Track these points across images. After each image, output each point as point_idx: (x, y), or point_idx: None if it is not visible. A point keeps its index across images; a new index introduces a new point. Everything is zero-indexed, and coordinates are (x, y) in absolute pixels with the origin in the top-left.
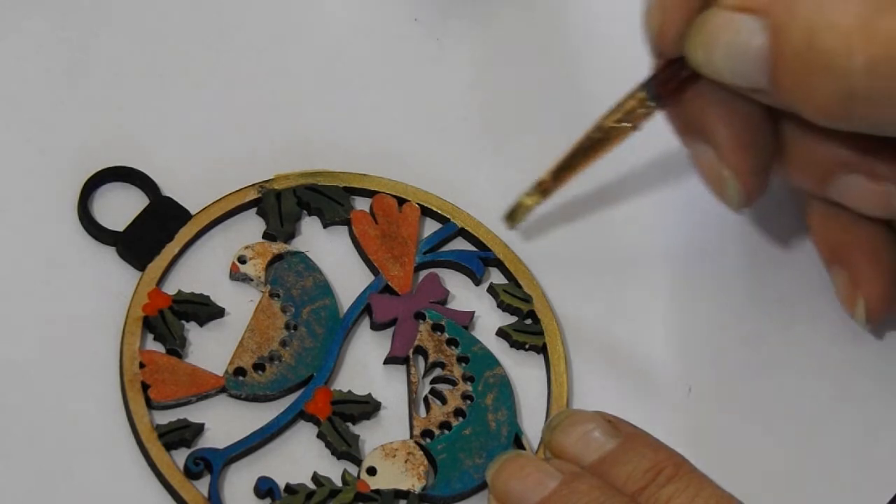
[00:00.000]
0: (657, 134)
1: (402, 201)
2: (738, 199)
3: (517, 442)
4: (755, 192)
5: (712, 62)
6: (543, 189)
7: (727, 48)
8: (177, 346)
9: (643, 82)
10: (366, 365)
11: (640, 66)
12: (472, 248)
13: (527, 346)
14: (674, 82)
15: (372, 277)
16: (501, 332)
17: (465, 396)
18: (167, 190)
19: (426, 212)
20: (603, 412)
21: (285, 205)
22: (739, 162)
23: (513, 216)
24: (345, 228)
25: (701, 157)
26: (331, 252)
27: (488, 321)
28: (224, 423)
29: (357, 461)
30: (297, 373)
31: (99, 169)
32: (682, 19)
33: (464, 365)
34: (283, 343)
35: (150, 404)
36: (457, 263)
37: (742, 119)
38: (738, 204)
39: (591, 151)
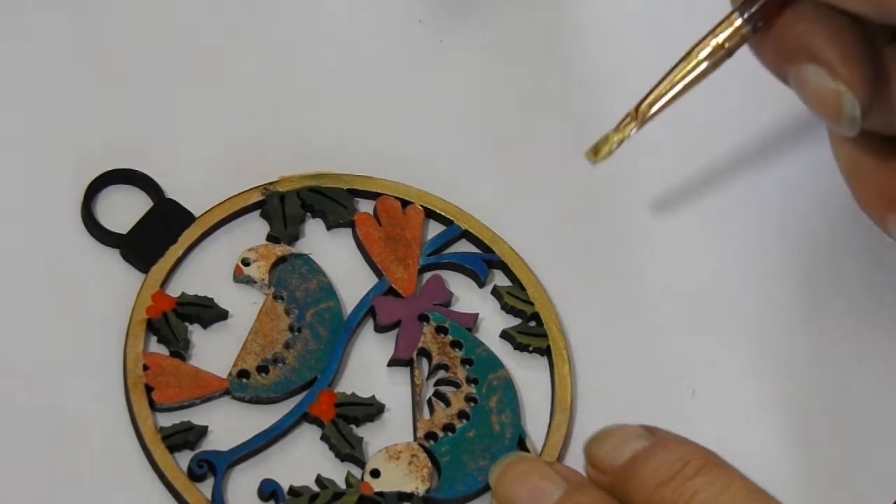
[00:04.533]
0: (660, 137)
1: (405, 203)
2: (855, 113)
3: (521, 444)
4: (870, 104)
5: None
6: (629, 123)
7: None
8: (180, 349)
9: (738, 6)
10: (369, 367)
11: (642, 66)
12: (476, 251)
13: (531, 349)
14: (770, 5)
15: (376, 279)
16: (505, 335)
17: (468, 398)
18: (171, 192)
19: (430, 214)
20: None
21: (289, 207)
22: (852, 72)
23: (597, 150)
24: (349, 231)
25: (808, 79)
26: (334, 254)
27: (492, 323)
28: (228, 425)
29: (361, 463)
30: (300, 375)
31: (103, 171)
32: None
33: (467, 367)
34: (287, 345)
35: (153, 406)
36: (460, 265)
37: (848, 33)
38: (854, 119)
39: (680, 81)
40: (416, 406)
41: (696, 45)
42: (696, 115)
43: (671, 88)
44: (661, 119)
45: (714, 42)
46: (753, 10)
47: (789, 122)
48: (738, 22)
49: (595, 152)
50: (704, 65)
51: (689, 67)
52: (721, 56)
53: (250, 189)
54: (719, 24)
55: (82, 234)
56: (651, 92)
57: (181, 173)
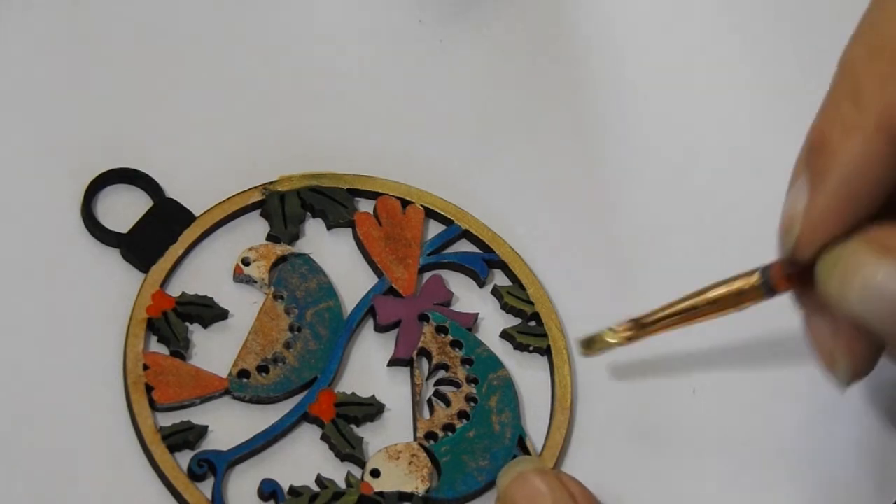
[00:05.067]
0: (661, 142)
1: (405, 203)
2: (846, 379)
3: (521, 444)
4: (863, 374)
5: (846, 300)
6: (629, 335)
7: (863, 290)
8: (180, 348)
9: (762, 268)
10: (370, 367)
11: (639, 67)
12: (476, 250)
13: (531, 348)
14: (793, 281)
15: (376, 279)
16: (505, 334)
17: (468, 398)
18: (171, 192)
19: (430, 213)
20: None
21: (289, 206)
22: (856, 347)
23: (589, 345)
24: (349, 230)
25: (817, 330)
26: (335, 254)
27: (492, 323)
28: (228, 425)
29: (361, 463)
30: (300, 375)
31: (103, 171)
32: (824, 236)
33: (468, 367)
34: (287, 345)
35: (153, 406)
36: (461, 265)
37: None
38: (845, 383)
39: (687, 317)
40: (416, 406)
41: (710, 289)
42: (695, 127)
43: (677, 319)
44: (662, 124)
45: (728, 293)
46: (774, 279)
47: None
48: (757, 283)
49: (587, 346)
50: (714, 308)
51: (699, 305)
52: (729, 311)
53: (250, 189)
54: (739, 278)
55: (82, 234)
56: (658, 313)
57: (181, 173)
